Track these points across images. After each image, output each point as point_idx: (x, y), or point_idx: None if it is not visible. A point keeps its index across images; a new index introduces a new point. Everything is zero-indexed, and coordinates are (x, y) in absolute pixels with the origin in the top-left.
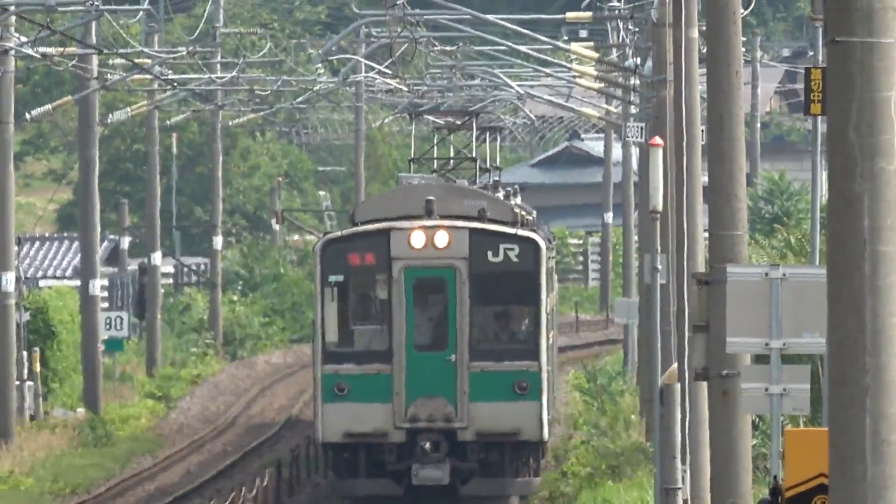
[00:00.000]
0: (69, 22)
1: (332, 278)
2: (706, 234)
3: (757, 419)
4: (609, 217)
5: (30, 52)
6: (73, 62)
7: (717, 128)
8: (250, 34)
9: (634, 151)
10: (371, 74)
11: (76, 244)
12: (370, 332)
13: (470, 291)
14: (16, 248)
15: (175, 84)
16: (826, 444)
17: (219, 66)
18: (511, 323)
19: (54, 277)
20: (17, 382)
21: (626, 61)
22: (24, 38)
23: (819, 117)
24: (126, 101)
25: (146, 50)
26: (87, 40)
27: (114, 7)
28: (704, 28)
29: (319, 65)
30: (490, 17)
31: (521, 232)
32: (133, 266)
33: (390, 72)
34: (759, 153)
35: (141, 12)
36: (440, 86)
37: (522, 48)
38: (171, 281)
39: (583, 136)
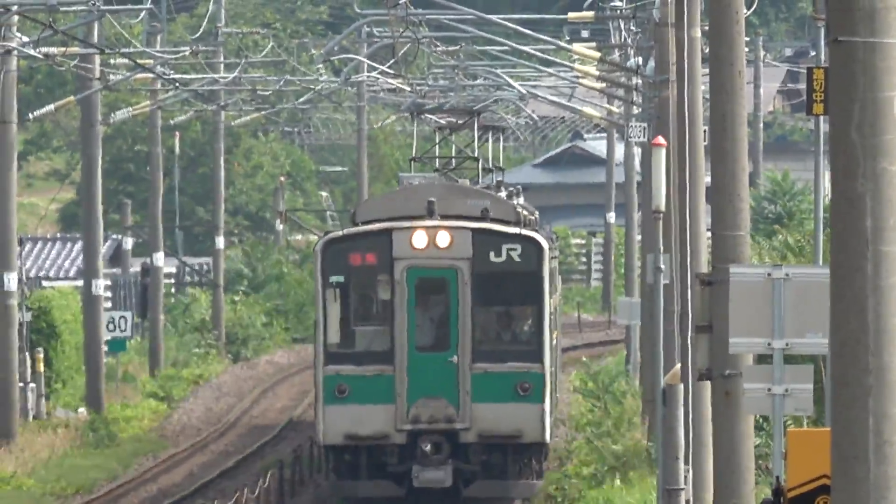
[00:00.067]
0: (71, 22)
1: (333, 278)
2: (709, 235)
3: (760, 419)
4: (612, 217)
5: (32, 52)
6: (76, 62)
7: (719, 128)
8: (252, 34)
9: (637, 151)
10: (373, 74)
11: (79, 244)
12: (371, 333)
13: (472, 292)
14: (18, 248)
15: (177, 84)
16: (828, 445)
17: (221, 65)
18: (513, 324)
19: (57, 278)
20: (21, 384)
21: (628, 61)
22: (26, 38)
23: (821, 117)
24: (128, 101)
25: (148, 50)
26: (89, 40)
27: (116, 7)
28: (707, 28)
29: (321, 65)
30: (492, 17)
31: (523, 232)
32: (136, 267)
33: (393, 72)
34: (762, 153)
35: (143, 12)
36: (442, 86)
37: (525, 48)
38: (173, 281)
39: (585, 136)
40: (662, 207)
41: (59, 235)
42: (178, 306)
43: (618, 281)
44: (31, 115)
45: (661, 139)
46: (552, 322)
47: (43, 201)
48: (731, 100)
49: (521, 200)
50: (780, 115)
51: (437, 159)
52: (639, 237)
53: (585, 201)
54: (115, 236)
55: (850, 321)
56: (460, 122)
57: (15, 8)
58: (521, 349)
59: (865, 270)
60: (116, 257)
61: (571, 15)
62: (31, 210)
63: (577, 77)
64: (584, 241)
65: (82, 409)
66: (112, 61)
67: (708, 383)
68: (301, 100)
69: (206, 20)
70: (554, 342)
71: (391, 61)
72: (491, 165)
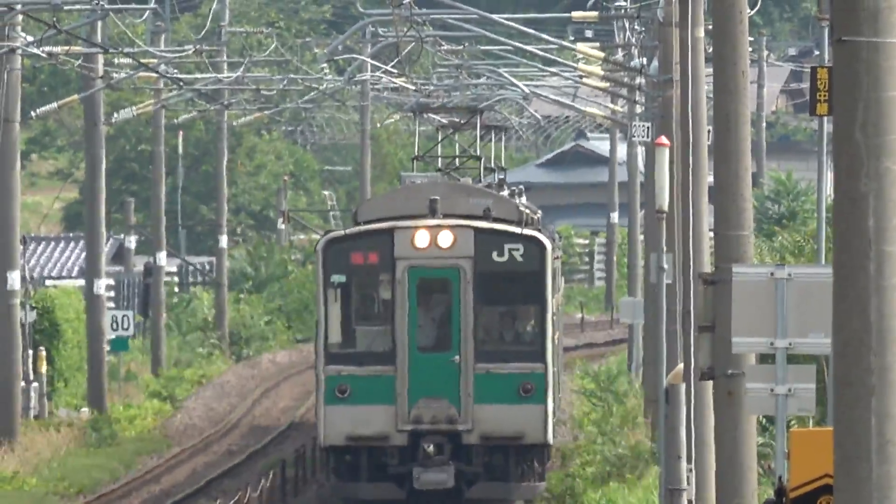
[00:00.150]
0: (75, 21)
1: (335, 278)
2: (712, 234)
3: (764, 419)
4: (615, 217)
5: (36, 51)
6: (79, 61)
7: (723, 127)
8: (256, 33)
9: (640, 151)
10: (377, 74)
11: (82, 244)
12: (373, 333)
13: (474, 292)
14: (21, 247)
15: (181, 83)
16: (831, 445)
17: (225, 65)
18: (516, 324)
19: (60, 277)
20: (23, 383)
21: (631, 61)
22: (30, 38)
23: (825, 117)
24: (132, 100)
25: (152, 49)
26: (92, 39)
27: (120, 6)
28: (711, 27)
29: (325, 64)
30: (496, 16)
31: (526, 231)
32: (139, 266)
33: (396, 71)
34: (765, 153)
35: (147, 11)
36: (446, 85)
37: (528, 48)
38: (176, 280)
39: (588, 135)
40: (665, 207)
41: (62, 234)
42: (180, 304)
43: (620, 280)
44: (34, 114)
45: (664, 139)
46: (554, 322)
47: (46, 200)
48: (734, 99)
49: (524, 200)
50: (783, 115)
51: (439, 158)
52: (642, 237)
53: (588, 201)
54: (118, 235)
55: (852, 321)
56: (463, 121)
57: (19, 7)
58: (523, 349)
59: (868, 270)
60: (119, 256)
61: (575, 14)
62: (34, 209)
63: (581, 77)
64: (587, 241)
65: (84, 409)
66: (115, 61)
67: (710, 383)
68: (304, 99)
69: (209, 19)
70: (556, 342)
71: (395, 61)
72: (493, 165)
